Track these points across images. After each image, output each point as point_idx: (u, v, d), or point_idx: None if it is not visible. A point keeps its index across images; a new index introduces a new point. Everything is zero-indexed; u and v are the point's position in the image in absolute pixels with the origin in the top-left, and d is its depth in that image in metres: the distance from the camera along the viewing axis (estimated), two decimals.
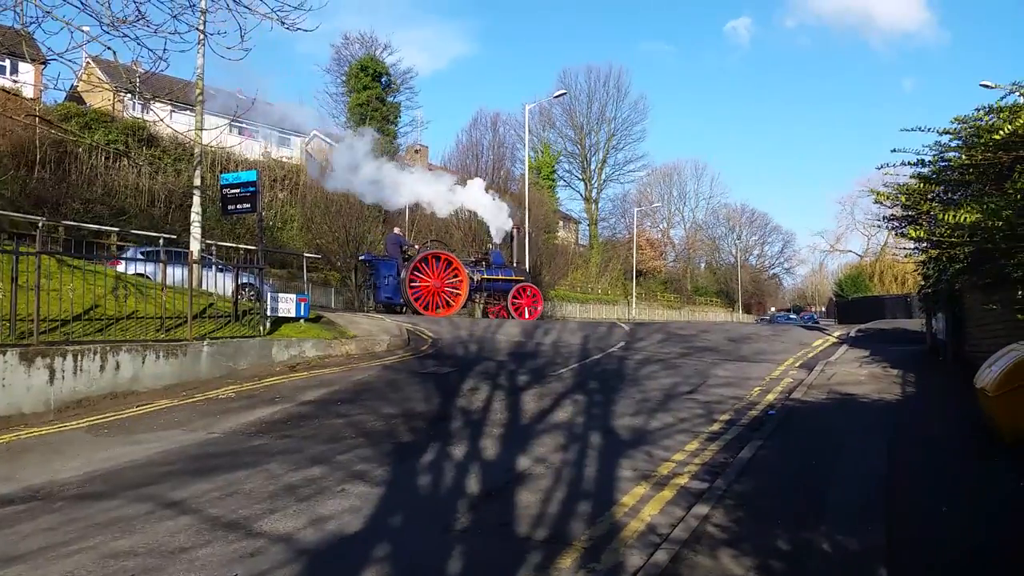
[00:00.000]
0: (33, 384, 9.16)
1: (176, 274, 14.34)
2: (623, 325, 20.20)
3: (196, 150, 15.07)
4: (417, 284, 22.86)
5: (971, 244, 7.41)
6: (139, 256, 18.60)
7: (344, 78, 46.83)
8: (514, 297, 25.89)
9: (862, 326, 20.96)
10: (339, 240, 33.37)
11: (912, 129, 8.83)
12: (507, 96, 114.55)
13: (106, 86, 33.58)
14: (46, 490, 6.19)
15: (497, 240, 29.04)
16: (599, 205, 68.54)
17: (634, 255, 58.94)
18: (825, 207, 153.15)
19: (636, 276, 58.80)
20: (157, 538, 5.00)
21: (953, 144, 8.67)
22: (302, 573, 4.43)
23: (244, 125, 51.62)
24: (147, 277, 18.30)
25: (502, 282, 25.98)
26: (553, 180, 64.20)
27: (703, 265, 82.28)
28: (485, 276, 25.46)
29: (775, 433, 7.57)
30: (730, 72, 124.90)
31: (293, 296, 13.65)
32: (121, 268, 16.45)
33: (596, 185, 67.40)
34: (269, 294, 13.39)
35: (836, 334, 18.42)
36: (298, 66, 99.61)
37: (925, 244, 10.30)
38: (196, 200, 14.48)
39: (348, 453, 7.15)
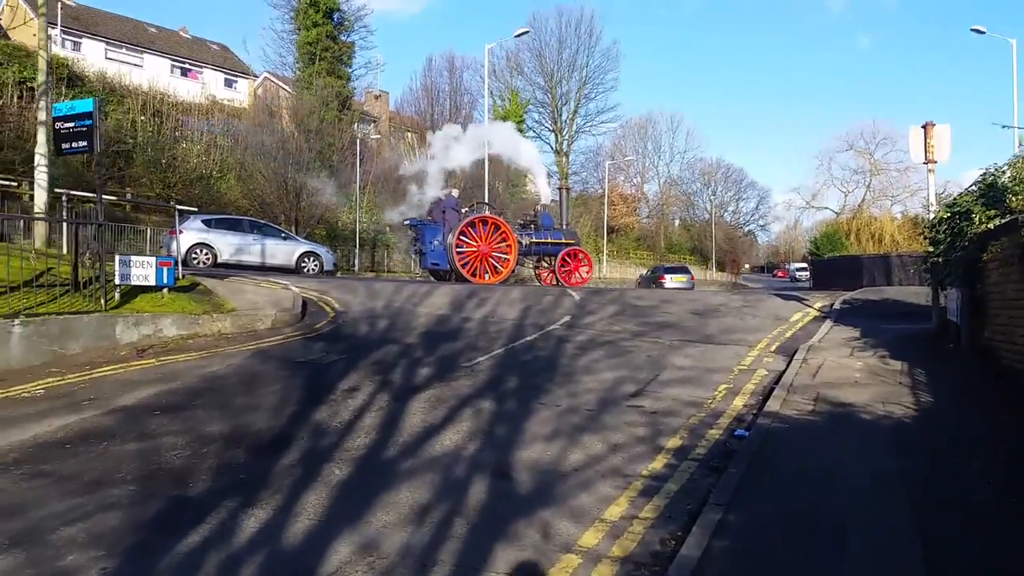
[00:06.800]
0: None
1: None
2: (573, 294, 17.62)
3: (40, 76, 12.08)
4: (464, 250, 21.45)
5: None
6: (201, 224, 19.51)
7: (292, 14, 42.90)
8: (563, 261, 24.50)
9: (847, 296, 18.54)
10: (278, 191, 30.42)
11: None
12: (477, 41, 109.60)
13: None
14: None
15: (545, 200, 28.03)
16: (570, 158, 65.54)
17: (605, 210, 56.25)
18: (802, 162, 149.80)
19: (608, 233, 56.20)
20: None
21: None
22: None
23: (188, 66, 47.87)
24: (210, 246, 19.24)
25: (551, 245, 24.62)
26: (522, 131, 60.93)
27: (677, 222, 79.86)
28: (534, 240, 24.18)
29: (742, 487, 5.09)
30: (688, 20, 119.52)
31: (152, 260, 10.90)
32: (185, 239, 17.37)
33: (567, 137, 64.31)
34: (118, 258, 10.65)
35: (817, 306, 16.02)
36: (248, 3, 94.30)
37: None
38: (41, 138, 11.59)
39: (84, 521, 4.59)
